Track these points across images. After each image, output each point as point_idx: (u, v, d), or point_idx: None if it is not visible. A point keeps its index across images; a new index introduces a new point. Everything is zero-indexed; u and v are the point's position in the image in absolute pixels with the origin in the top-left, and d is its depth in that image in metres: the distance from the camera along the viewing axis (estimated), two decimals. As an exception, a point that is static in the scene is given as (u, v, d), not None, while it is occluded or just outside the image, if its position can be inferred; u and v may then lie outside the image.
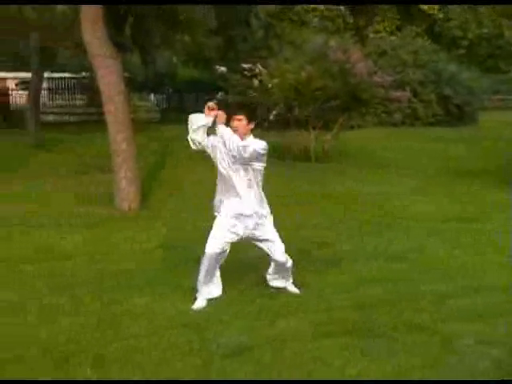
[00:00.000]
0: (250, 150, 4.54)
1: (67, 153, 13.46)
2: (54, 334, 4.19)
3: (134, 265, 5.81)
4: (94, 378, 3.59)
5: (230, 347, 3.98)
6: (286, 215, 7.76)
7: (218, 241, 4.65)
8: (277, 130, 12.69)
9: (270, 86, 11.96)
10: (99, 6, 8.11)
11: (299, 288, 5.08)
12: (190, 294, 4.89)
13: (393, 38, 24.12)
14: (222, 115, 4.65)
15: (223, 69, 11.57)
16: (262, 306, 4.69)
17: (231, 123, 4.66)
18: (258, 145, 4.62)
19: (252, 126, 4.72)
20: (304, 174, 11.16)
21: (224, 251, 4.69)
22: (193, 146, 4.77)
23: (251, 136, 4.72)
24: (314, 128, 12.78)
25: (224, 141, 4.59)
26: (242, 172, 4.66)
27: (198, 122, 4.69)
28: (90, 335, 4.18)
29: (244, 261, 5.70)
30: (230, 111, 4.72)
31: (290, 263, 4.97)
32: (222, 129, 4.63)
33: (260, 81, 12.18)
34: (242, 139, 4.61)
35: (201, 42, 15.84)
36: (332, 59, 12.39)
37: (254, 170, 4.67)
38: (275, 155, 12.58)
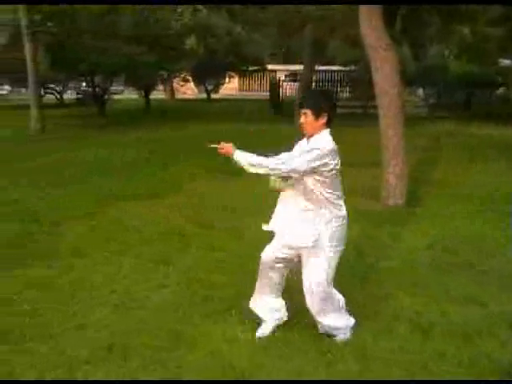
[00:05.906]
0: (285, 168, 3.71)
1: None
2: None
3: (400, 263, 5.66)
4: (356, 369, 3.61)
5: (505, 366, 3.62)
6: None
7: None
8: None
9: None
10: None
11: None
12: (461, 301, 4.63)
13: None
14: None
15: (507, 62, 10.53)
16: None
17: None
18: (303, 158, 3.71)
19: (323, 120, 3.77)
20: None
21: None
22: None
23: (323, 132, 3.80)
24: None
25: None
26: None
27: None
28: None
29: None
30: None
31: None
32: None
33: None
34: (309, 138, 3.83)
35: (481, 34, 14.80)
36: None
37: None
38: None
